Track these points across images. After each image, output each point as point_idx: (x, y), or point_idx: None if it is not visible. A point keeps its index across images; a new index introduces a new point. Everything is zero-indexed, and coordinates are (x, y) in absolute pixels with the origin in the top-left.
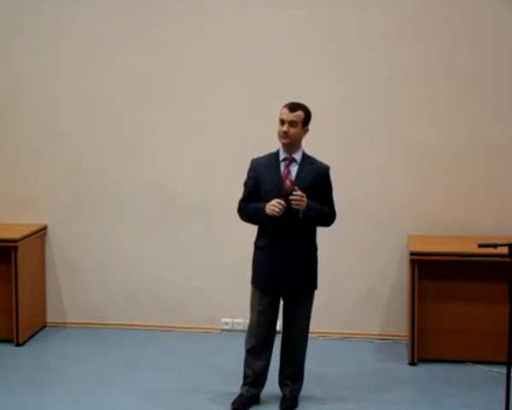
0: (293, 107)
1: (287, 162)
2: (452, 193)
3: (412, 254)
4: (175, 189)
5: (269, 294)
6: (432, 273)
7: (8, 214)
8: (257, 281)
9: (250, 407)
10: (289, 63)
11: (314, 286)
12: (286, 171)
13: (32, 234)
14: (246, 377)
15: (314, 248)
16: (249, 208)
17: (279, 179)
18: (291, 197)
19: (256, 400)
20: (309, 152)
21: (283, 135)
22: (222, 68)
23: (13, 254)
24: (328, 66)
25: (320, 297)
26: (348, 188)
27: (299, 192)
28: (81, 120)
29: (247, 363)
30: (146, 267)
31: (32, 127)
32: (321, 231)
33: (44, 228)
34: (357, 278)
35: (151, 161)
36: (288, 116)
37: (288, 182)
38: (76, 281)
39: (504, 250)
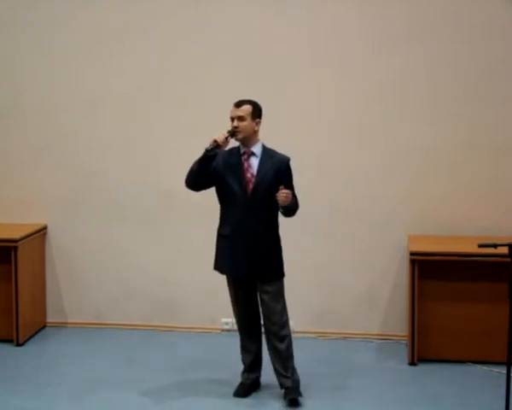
0: (239, 103)
1: (245, 156)
2: (452, 193)
3: (412, 254)
4: (175, 189)
5: (238, 285)
6: (432, 273)
7: (8, 214)
8: (220, 267)
9: (251, 393)
10: (289, 63)
11: (281, 274)
12: (246, 164)
13: (32, 234)
14: (243, 363)
15: (277, 237)
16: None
17: (240, 172)
18: (278, 193)
19: (257, 385)
20: (309, 152)
21: None
22: (222, 68)
23: (13, 254)
24: (328, 66)
25: (320, 297)
26: (348, 188)
27: (286, 190)
28: (81, 119)
29: (241, 352)
30: (146, 267)
31: (32, 127)
32: (320, 231)
33: (44, 228)
34: (357, 278)
35: (151, 160)
36: (236, 112)
37: (248, 175)
38: (76, 281)
39: (504, 250)
